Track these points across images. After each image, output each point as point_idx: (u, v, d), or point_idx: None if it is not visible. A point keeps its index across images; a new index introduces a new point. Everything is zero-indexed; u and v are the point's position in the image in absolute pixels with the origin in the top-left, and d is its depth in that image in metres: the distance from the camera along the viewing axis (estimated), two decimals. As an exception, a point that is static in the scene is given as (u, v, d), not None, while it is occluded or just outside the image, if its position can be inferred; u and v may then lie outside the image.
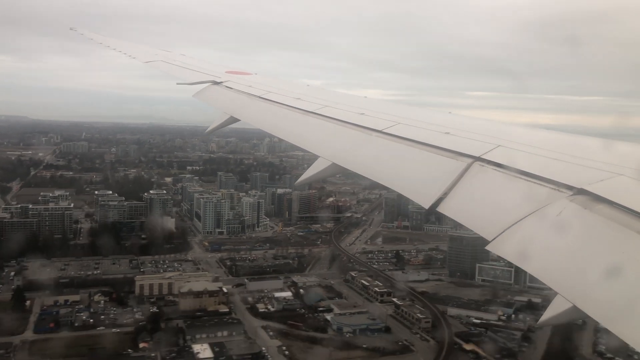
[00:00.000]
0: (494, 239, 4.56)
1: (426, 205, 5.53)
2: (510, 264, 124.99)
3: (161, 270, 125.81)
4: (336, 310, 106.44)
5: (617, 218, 4.08)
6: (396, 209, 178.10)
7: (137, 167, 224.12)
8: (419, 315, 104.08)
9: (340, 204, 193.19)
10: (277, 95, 10.85)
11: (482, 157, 5.78)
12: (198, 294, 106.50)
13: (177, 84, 13.47)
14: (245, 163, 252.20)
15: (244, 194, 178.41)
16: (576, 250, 4.22)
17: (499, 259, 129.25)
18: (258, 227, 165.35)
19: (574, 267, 4.08)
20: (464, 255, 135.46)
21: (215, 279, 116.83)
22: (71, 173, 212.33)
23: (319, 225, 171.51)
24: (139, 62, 17.82)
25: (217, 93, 12.40)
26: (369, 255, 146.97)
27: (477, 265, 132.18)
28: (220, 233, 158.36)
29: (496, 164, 5.58)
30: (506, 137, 6.53)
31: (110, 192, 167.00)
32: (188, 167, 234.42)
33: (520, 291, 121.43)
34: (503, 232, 4.56)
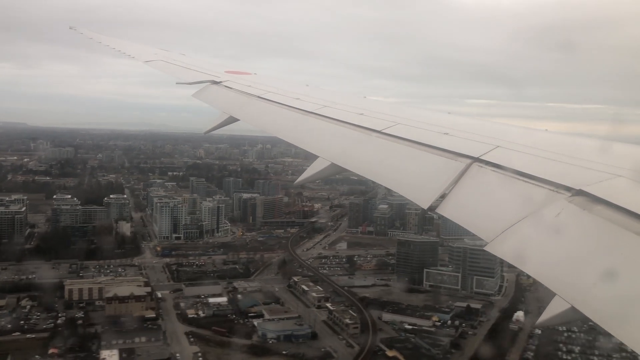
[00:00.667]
0: (493, 240, 4.57)
1: (425, 205, 5.54)
2: (456, 270, 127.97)
3: (102, 275, 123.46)
4: (267, 316, 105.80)
5: (616, 219, 4.09)
6: (361, 214, 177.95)
7: (118, 173, 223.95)
8: (347, 321, 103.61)
9: (306, 209, 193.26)
10: (276, 95, 10.83)
11: (481, 157, 5.80)
12: (123, 299, 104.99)
13: (177, 83, 13.50)
14: (229, 169, 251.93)
15: (210, 199, 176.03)
16: (574, 252, 4.24)
17: (447, 263, 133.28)
18: (218, 232, 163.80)
19: (572, 268, 4.09)
20: (412, 260, 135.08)
21: (146, 284, 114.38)
22: (48, 178, 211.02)
23: (282, 231, 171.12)
24: (138, 61, 17.75)
25: (216, 93, 12.37)
26: (323, 261, 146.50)
27: (425, 270, 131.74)
28: (178, 238, 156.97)
29: (495, 165, 5.59)
30: (505, 138, 6.55)
31: (69, 196, 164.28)
32: (169, 173, 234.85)
33: (466, 297, 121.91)
34: (501, 233, 4.57)
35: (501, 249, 4.48)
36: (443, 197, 5.50)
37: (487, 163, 5.67)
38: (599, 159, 5.29)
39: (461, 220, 5.22)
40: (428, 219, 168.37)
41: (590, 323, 3.72)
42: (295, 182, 8.21)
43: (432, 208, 5.54)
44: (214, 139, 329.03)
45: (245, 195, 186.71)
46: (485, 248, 4.63)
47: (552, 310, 3.99)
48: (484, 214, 5.21)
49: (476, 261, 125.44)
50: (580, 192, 4.57)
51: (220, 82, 12.78)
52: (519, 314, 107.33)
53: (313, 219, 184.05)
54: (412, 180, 6.38)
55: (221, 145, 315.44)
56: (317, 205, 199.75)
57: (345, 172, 7.33)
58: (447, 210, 5.34)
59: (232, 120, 10.56)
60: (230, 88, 12.27)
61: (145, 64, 16.79)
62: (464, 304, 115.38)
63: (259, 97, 10.97)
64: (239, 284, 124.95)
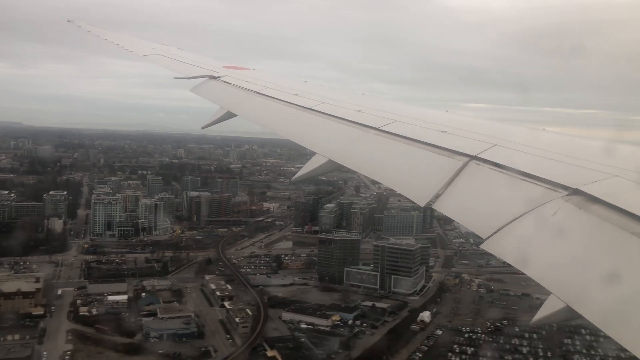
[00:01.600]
0: (488, 237, 4.59)
1: (422, 203, 5.55)
2: (375, 269, 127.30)
3: (13, 272, 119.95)
4: (159, 314, 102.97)
5: (612, 219, 4.11)
6: (308, 214, 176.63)
7: (87, 171, 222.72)
8: (237, 320, 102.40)
9: (255, 208, 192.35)
10: (275, 91, 10.77)
11: (479, 156, 5.81)
12: (9, 295, 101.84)
13: (175, 77, 13.31)
14: (203, 168, 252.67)
15: (155, 197, 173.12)
16: (570, 251, 4.25)
17: (369, 262, 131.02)
18: (156, 230, 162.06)
19: (567, 267, 4.11)
20: (333, 259, 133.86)
21: (37, 280, 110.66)
22: (12, 175, 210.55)
23: (226, 229, 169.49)
24: (136, 54, 17.52)
25: (215, 88, 12.26)
26: (252, 260, 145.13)
27: (345, 269, 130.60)
28: (112, 235, 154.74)
29: (492, 163, 5.61)
30: (502, 136, 6.57)
31: (7, 192, 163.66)
32: (139, 172, 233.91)
33: (382, 296, 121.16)
34: (497, 231, 4.59)
35: (496, 247, 4.49)
36: (440, 194, 5.51)
37: (485, 161, 5.69)
38: (597, 159, 5.31)
39: (457, 216, 5.25)
40: (377, 219, 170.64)
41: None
42: (292, 178, 8.09)
43: (428, 205, 5.55)
44: (206, 139, 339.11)
45: (192, 194, 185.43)
46: (481, 246, 4.64)
47: (548, 308, 3.99)
48: (481, 210, 5.22)
49: (394, 260, 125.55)
50: (577, 192, 4.60)
51: (219, 77, 12.70)
52: (425, 314, 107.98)
53: (260, 218, 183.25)
54: (409, 178, 6.40)
55: (206, 145, 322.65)
56: (271, 205, 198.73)
57: (342, 168, 7.33)
58: (444, 207, 5.35)
59: (230, 115, 10.51)
60: (229, 83, 12.19)
61: (143, 57, 16.59)
62: (371, 303, 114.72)
63: (257, 92, 10.93)
64: (150, 282, 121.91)
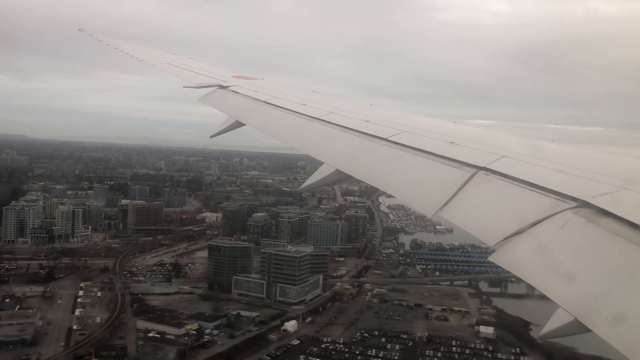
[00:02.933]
0: (496, 251, 4.59)
1: (429, 214, 5.56)
2: (262, 278, 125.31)
3: None
4: (2, 320, 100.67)
5: (622, 232, 4.09)
6: (237, 223, 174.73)
7: (51, 181, 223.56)
8: (74, 327, 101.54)
9: (186, 216, 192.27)
10: (283, 101, 10.81)
11: (487, 167, 5.84)
12: None
13: (184, 87, 13.32)
14: (174, 180, 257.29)
15: (74, 204, 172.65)
16: (579, 264, 4.23)
17: (258, 271, 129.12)
18: (73, 237, 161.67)
19: (576, 281, 4.06)
20: (223, 267, 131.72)
21: None
22: None
23: (151, 238, 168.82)
24: (146, 63, 17.39)
25: (223, 97, 12.25)
26: (153, 268, 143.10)
27: (234, 277, 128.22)
28: (25, 242, 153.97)
29: (501, 174, 5.64)
30: (511, 148, 6.57)
31: None
32: (106, 182, 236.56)
33: (265, 305, 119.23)
34: (505, 243, 4.61)
35: (505, 259, 4.49)
36: (447, 203, 5.56)
37: (493, 172, 5.72)
38: (606, 172, 5.32)
39: (464, 224, 5.25)
40: (305, 227, 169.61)
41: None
42: (300, 187, 8.32)
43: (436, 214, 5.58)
44: (205, 152, 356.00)
45: (124, 202, 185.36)
46: (489, 259, 4.64)
47: (555, 322, 3.98)
48: (488, 219, 5.23)
49: (279, 268, 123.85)
50: (585, 204, 4.59)
51: (228, 86, 12.72)
52: (290, 324, 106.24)
53: (189, 227, 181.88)
54: (417, 189, 6.42)
55: (192, 158, 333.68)
56: (212, 215, 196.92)
57: (350, 178, 7.34)
58: (450, 214, 5.39)
59: (238, 124, 10.54)
60: (237, 93, 12.20)
61: (152, 66, 16.44)
62: (235, 312, 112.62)
63: (265, 102, 10.99)
64: (23, 288, 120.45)
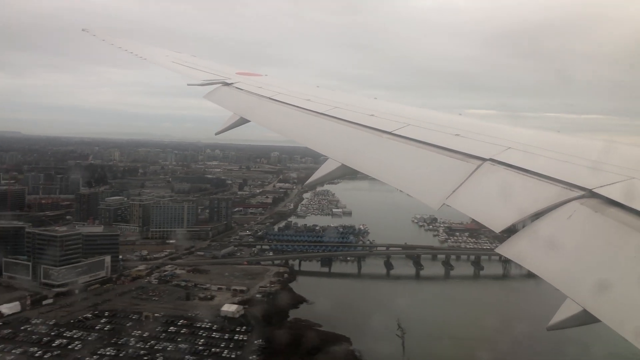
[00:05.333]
0: (503, 243, 4.60)
1: (435, 206, 5.55)
2: (28, 259, 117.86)
3: None
4: None
5: (628, 221, 4.07)
6: (94, 208, 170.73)
7: (13, 172, 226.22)
8: None
9: (43, 201, 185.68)
10: (287, 97, 10.81)
11: (493, 158, 5.82)
12: None
13: (188, 84, 13.41)
14: (116, 169, 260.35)
15: None
16: (586, 254, 4.22)
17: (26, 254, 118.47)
18: None
19: (584, 271, 4.07)
20: None
21: None
22: None
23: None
24: (149, 62, 17.69)
25: (227, 94, 12.33)
26: None
27: (3, 259, 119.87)
28: None
29: (507, 165, 5.62)
30: (516, 139, 6.53)
31: None
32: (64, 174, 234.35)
33: (25, 289, 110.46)
34: (512, 235, 4.61)
35: (512, 251, 4.49)
36: (453, 194, 5.56)
37: (500, 163, 5.70)
38: (612, 161, 5.29)
39: (470, 211, 5.26)
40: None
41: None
42: (306, 183, 8.24)
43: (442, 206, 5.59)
44: (198, 146, 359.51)
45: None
46: (496, 250, 4.63)
47: (564, 312, 3.99)
48: (494, 208, 5.22)
49: (42, 249, 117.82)
50: (592, 194, 4.57)
51: (231, 83, 12.78)
52: (9, 306, 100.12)
53: (43, 212, 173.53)
54: (423, 182, 6.39)
55: (157, 150, 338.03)
56: (59, 199, 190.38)
57: (355, 173, 7.31)
58: (456, 202, 5.39)
59: (243, 121, 10.61)
60: (241, 89, 12.28)
61: (156, 65, 16.77)
62: None
63: (269, 98, 10.99)
64: None
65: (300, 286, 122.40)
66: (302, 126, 9.58)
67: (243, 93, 12.05)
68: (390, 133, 7.55)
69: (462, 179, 5.66)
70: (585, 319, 3.77)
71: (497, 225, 4.75)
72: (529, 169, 5.38)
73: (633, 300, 3.59)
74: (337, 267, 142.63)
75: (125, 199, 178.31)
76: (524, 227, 4.70)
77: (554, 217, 4.54)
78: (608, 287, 3.77)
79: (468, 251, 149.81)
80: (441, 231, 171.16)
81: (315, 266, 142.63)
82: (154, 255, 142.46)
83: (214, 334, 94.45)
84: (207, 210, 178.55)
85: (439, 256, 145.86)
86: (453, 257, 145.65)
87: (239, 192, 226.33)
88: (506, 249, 4.52)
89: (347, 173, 7.37)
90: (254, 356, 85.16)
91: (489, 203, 5.37)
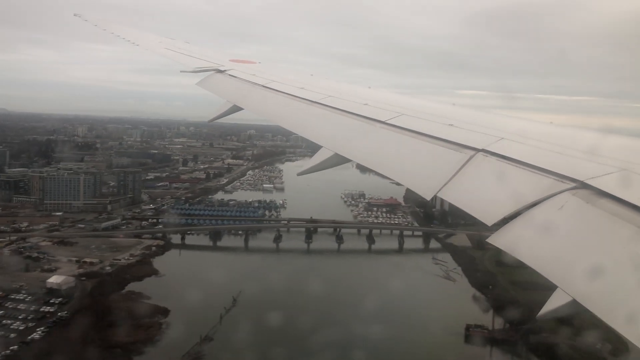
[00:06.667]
0: (494, 233, 4.60)
1: (428, 196, 5.57)
2: None
3: None
4: None
5: (620, 213, 4.09)
6: None
7: None
8: None
9: None
10: (281, 85, 10.77)
11: (486, 149, 5.82)
12: None
13: (181, 71, 13.34)
14: (83, 145, 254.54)
15: None
16: (577, 245, 4.25)
17: None
18: None
19: (574, 261, 4.10)
20: None
21: None
22: None
23: None
24: (143, 48, 17.53)
25: (221, 81, 12.27)
26: None
27: None
28: None
29: (499, 156, 5.62)
30: (510, 129, 6.55)
31: None
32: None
33: None
34: (503, 226, 4.61)
35: (503, 241, 4.50)
36: (446, 184, 5.57)
37: (492, 154, 5.70)
38: (605, 152, 5.30)
39: (461, 204, 5.25)
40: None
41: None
42: (298, 173, 8.01)
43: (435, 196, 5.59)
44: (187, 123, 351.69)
45: None
46: (488, 240, 4.63)
47: (553, 302, 4.01)
48: (486, 200, 5.23)
49: None
50: (584, 185, 4.58)
51: (225, 70, 12.71)
52: None
53: None
54: (416, 171, 6.39)
55: (126, 126, 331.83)
56: None
57: (348, 162, 7.27)
58: (449, 195, 5.39)
59: (236, 109, 10.57)
60: (235, 77, 12.21)
61: (149, 51, 16.69)
62: None
63: (263, 86, 10.96)
64: None
65: (163, 260, 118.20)
66: (295, 114, 9.55)
67: (236, 80, 12.00)
68: (383, 122, 7.53)
69: (455, 169, 5.67)
70: (575, 308, 3.82)
71: (489, 218, 4.73)
72: (522, 159, 5.39)
73: (622, 291, 3.62)
74: (228, 242, 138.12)
75: (28, 170, 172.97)
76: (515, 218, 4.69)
77: (545, 208, 4.55)
78: (598, 277, 3.80)
79: (370, 226, 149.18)
80: (360, 207, 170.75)
81: (205, 240, 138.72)
82: (32, 227, 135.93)
83: (20, 306, 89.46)
84: (113, 184, 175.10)
85: (362, 231, 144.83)
86: (365, 231, 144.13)
87: (181, 168, 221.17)
88: (497, 239, 4.52)
89: (340, 162, 7.33)
90: (43, 327, 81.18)
91: (480, 195, 5.37)
